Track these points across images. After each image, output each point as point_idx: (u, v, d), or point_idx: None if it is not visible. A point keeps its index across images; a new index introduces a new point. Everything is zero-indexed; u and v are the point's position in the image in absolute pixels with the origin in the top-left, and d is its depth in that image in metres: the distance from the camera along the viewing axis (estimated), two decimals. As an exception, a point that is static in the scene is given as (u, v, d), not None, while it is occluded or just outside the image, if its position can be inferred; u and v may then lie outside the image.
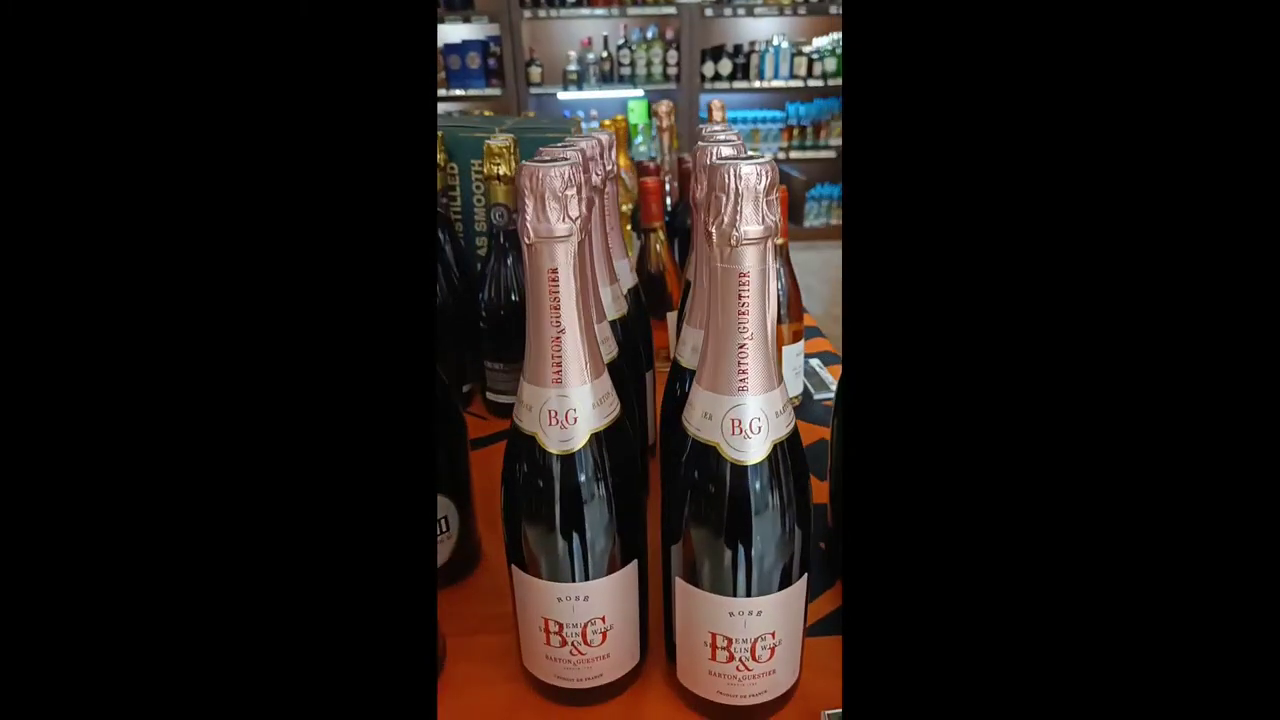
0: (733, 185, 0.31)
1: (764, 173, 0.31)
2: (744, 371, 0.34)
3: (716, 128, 0.57)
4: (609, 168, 0.56)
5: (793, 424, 0.37)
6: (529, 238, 0.33)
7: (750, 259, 0.32)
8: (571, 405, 0.37)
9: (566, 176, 0.33)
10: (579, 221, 0.34)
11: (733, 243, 0.32)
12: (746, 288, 0.33)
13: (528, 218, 0.33)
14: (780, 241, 0.70)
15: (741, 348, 0.34)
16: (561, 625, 0.40)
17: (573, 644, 0.40)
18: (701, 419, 0.36)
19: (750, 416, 0.35)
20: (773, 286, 0.34)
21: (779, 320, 0.74)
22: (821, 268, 3.49)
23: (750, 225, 0.31)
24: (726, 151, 0.42)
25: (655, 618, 0.46)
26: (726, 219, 0.31)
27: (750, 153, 0.33)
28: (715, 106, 1.12)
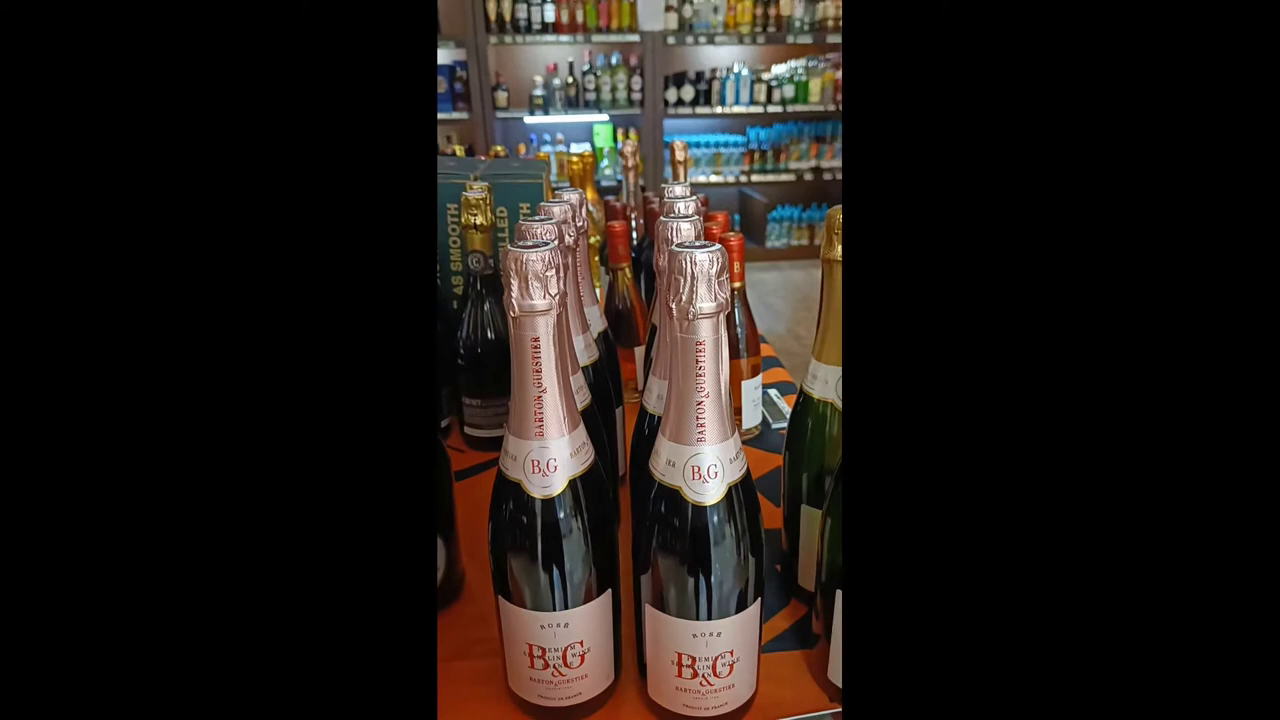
0: (689, 270, 0.36)
1: (716, 259, 0.37)
2: (702, 425, 0.40)
3: (678, 191, 0.63)
4: (580, 225, 0.62)
5: (745, 467, 0.43)
6: (514, 311, 0.39)
7: (705, 330, 0.38)
8: (552, 455, 0.42)
9: (547, 259, 0.38)
10: (558, 297, 0.39)
11: (690, 317, 0.37)
12: (703, 354, 0.38)
13: (513, 295, 0.38)
14: (738, 285, 0.76)
15: (699, 404, 0.39)
16: (544, 650, 0.45)
17: (554, 666, 0.45)
18: (666, 465, 0.41)
19: (708, 464, 0.40)
20: (725, 351, 0.39)
21: (739, 356, 0.80)
22: (783, 287, 3.59)
23: (705, 303, 0.37)
24: (685, 228, 0.48)
25: (628, 639, 0.51)
26: (685, 298, 0.37)
27: (704, 242, 0.38)
28: (678, 147, 1.18)
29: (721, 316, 0.38)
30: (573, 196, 0.61)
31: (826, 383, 0.52)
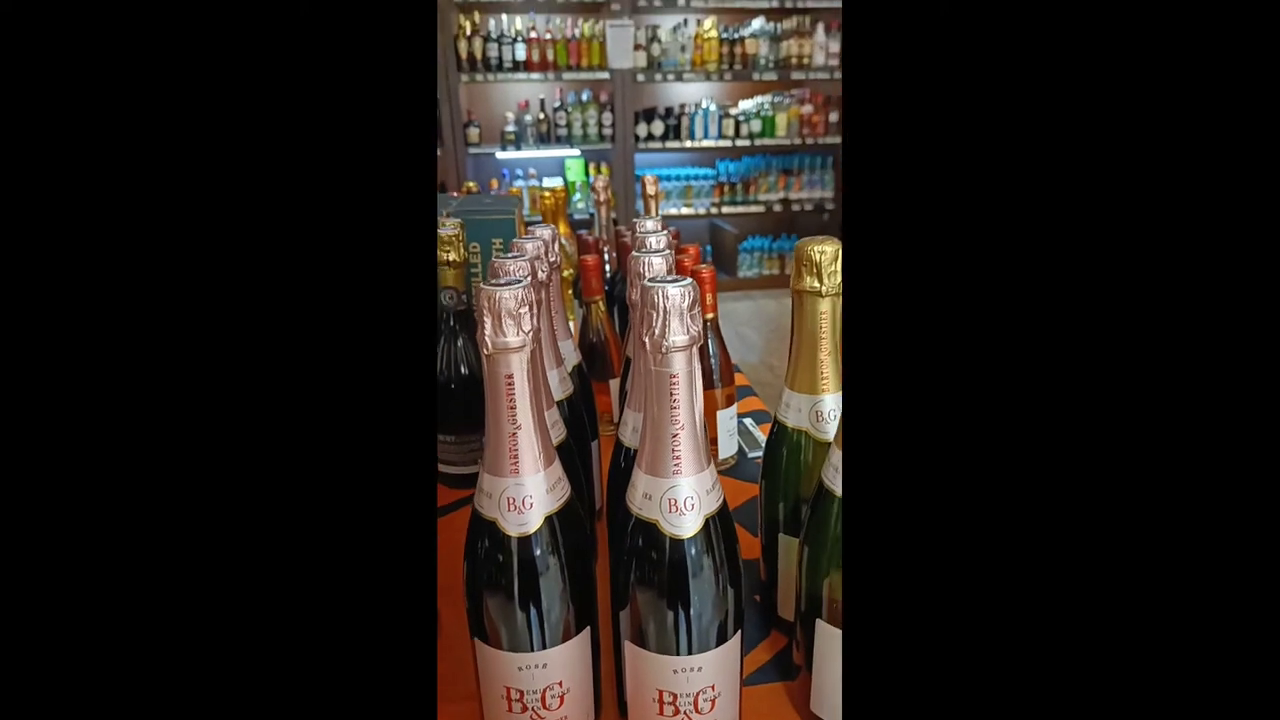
0: (662, 304, 0.37)
1: (687, 293, 0.37)
2: (678, 457, 0.40)
3: (649, 226, 0.64)
4: (554, 260, 0.62)
5: (722, 498, 0.43)
6: (488, 349, 0.39)
7: (679, 363, 0.38)
8: (527, 492, 0.41)
9: (520, 297, 0.38)
10: (531, 334, 0.39)
11: (663, 350, 0.38)
12: (677, 386, 0.39)
13: (486, 332, 0.38)
14: (710, 316, 0.76)
15: (675, 437, 0.40)
16: (522, 693, 0.44)
17: (533, 709, 0.44)
18: (643, 499, 0.41)
19: (684, 496, 0.40)
20: (699, 383, 0.40)
21: (713, 386, 0.80)
22: (755, 316, 3.63)
23: (678, 336, 0.37)
24: (657, 262, 0.48)
25: (607, 676, 0.50)
26: (658, 332, 0.37)
27: (675, 276, 0.39)
28: (649, 181, 1.20)
29: (694, 349, 0.39)
30: (545, 232, 0.61)
31: (800, 411, 0.53)
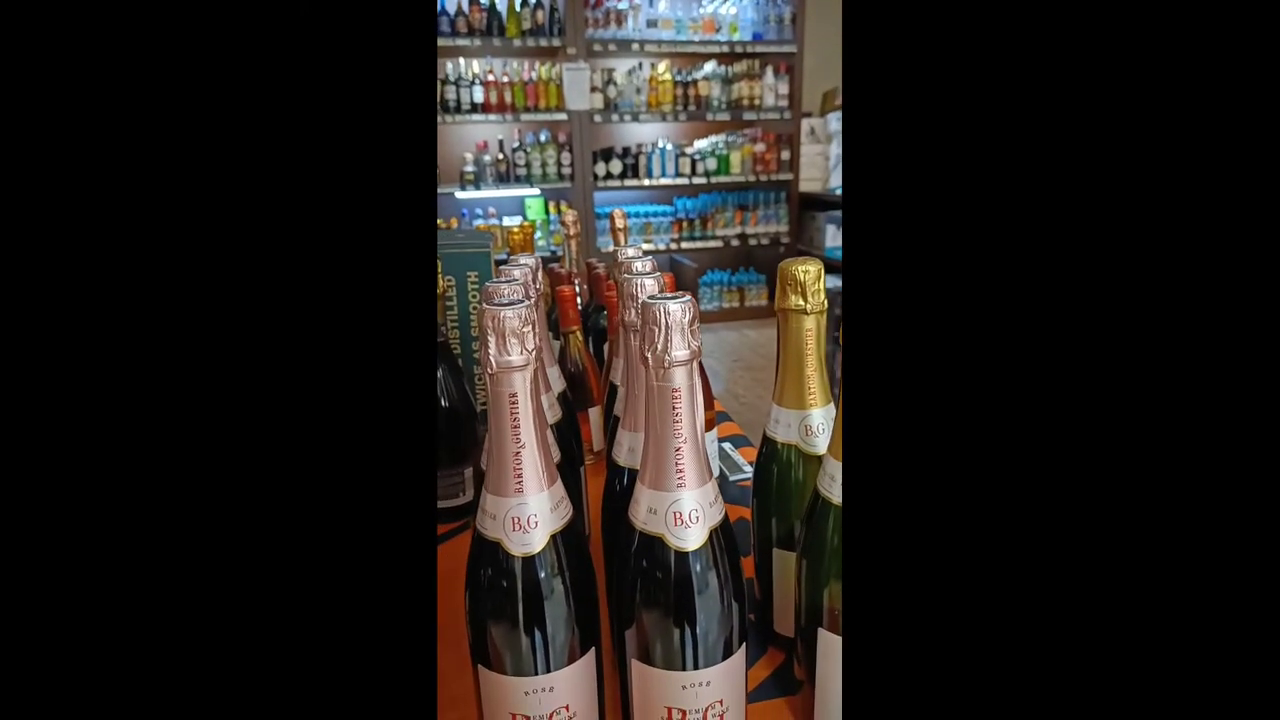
0: (663, 320, 0.38)
1: (687, 309, 0.38)
2: (681, 470, 0.41)
3: (630, 253, 0.65)
4: (538, 287, 0.63)
5: (723, 511, 0.43)
6: (492, 368, 0.39)
7: (680, 378, 0.39)
8: (532, 511, 0.41)
9: (523, 315, 0.39)
10: (534, 353, 0.40)
11: (665, 365, 0.39)
12: (679, 400, 0.40)
13: (490, 352, 0.39)
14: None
15: (678, 450, 0.40)
16: (529, 719, 0.43)
17: (539, 736, 0.43)
18: (647, 514, 0.42)
19: (689, 508, 0.41)
20: (699, 397, 0.41)
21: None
22: (717, 348, 3.68)
23: (679, 351, 0.39)
24: (649, 283, 0.50)
25: (612, 700, 0.50)
26: (660, 347, 0.38)
27: (674, 294, 0.40)
28: (617, 215, 1.22)
29: (695, 364, 0.40)
30: (529, 260, 0.62)
31: (789, 427, 0.54)
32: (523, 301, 0.40)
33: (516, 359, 0.39)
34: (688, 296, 0.39)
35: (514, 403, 0.40)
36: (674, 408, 0.40)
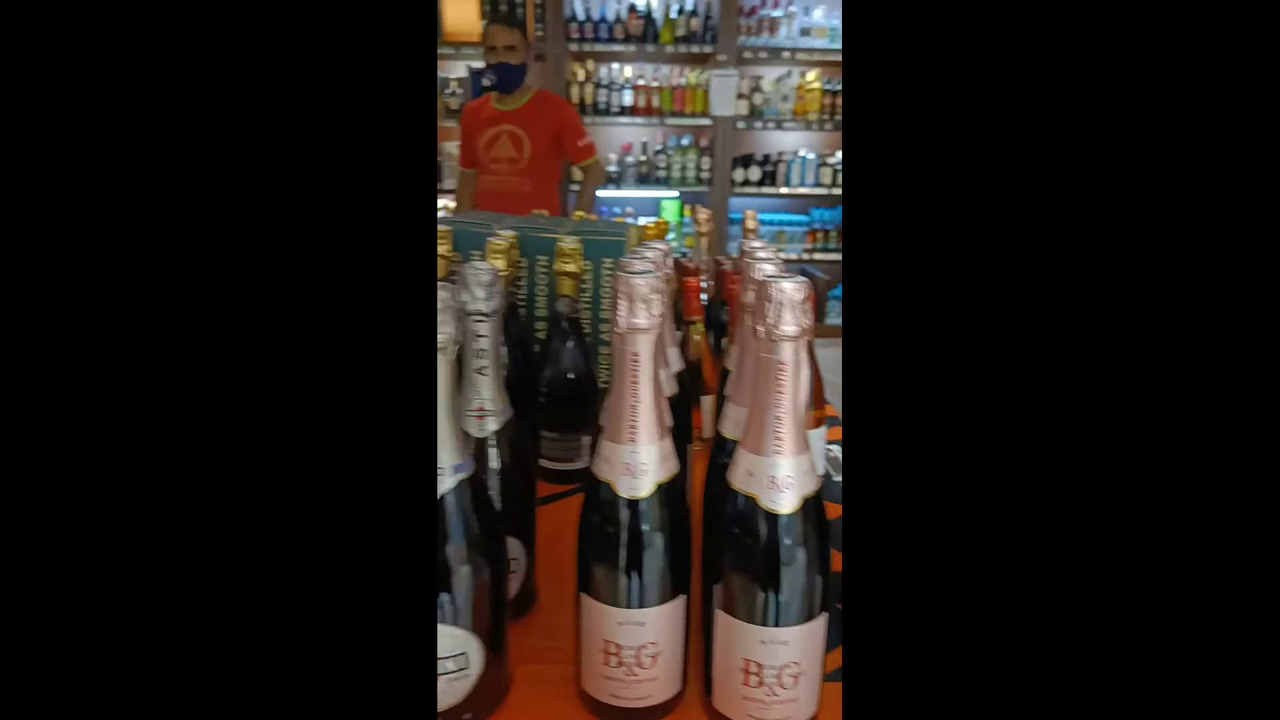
0: (776, 297, 0.42)
1: (800, 288, 0.42)
2: (779, 438, 0.44)
3: (756, 244, 0.69)
4: (668, 272, 0.68)
5: (818, 484, 0.46)
6: (621, 328, 0.44)
7: (787, 352, 0.43)
8: (642, 460, 0.46)
9: (652, 284, 0.44)
10: (659, 319, 0.44)
11: (774, 339, 0.42)
12: (784, 372, 0.43)
13: (620, 313, 0.44)
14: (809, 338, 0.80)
15: (778, 419, 0.44)
16: (620, 647, 0.48)
17: (628, 665, 0.48)
18: (745, 475, 0.45)
19: (784, 474, 0.44)
20: (804, 374, 0.44)
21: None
22: (839, 363, 3.58)
23: (789, 326, 0.42)
24: (769, 268, 0.53)
25: (695, 654, 0.54)
26: (771, 321, 0.42)
27: (789, 274, 0.43)
28: (749, 216, 1.26)
29: (803, 341, 0.43)
30: (662, 245, 0.67)
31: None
32: (653, 271, 0.45)
33: (643, 321, 0.44)
34: (803, 278, 0.42)
35: (635, 361, 0.45)
36: (779, 379, 0.43)
